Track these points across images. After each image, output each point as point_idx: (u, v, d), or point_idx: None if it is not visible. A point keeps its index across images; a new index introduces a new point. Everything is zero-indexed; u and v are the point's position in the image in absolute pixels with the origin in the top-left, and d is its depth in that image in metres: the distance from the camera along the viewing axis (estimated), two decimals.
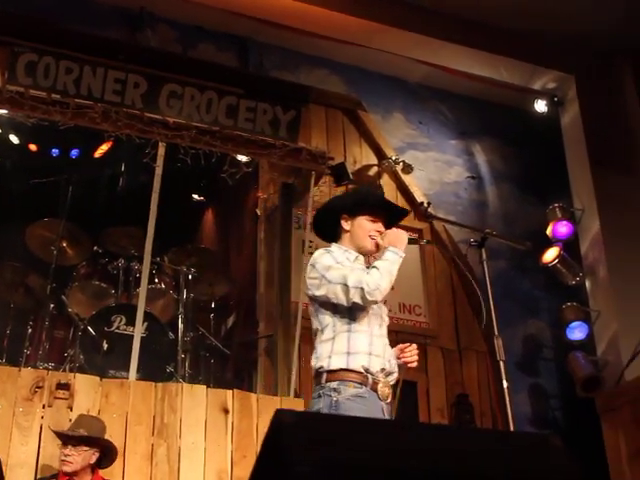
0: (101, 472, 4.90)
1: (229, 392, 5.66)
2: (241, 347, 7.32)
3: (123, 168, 8.34)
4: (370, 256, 4.08)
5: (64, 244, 7.15)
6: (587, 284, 7.53)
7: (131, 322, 6.19)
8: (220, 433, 5.48)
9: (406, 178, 7.77)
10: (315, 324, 3.91)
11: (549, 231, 7.65)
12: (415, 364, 3.93)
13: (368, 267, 3.90)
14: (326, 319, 3.83)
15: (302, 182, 6.86)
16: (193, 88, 6.54)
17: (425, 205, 3.53)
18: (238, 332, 7.55)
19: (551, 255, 7.50)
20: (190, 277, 7.13)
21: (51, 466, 4.97)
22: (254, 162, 6.98)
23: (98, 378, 5.44)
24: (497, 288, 7.78)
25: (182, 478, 5.23)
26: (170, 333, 6.55)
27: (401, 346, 3.94)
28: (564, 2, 7.47)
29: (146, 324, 6.23)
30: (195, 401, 5.50)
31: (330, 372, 3.67)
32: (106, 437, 4.92)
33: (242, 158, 6.78)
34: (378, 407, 3.65)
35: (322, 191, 7.00)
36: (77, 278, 7.00)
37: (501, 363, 3.19)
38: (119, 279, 6.93)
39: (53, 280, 6.77)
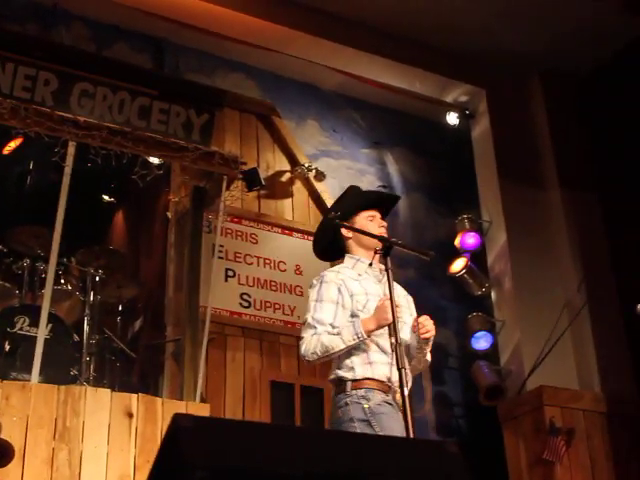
0: None
1: (134, 396, 5.58)
2: (148, 351, 7.24)
3: (32, 166, 8.17)
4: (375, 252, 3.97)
5: None
6: (493, 295, 7.67)
7: (35, 323, 6.05)
8: (124, 437, 5.40)
9: (318, 185, 7.80)
10: None
11: (457, 242, 7.77)
12: (429, 334, 3.87)
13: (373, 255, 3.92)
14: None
15: (214, 186, 6.82)
16: (106, 88, 6.44)
17: (332, 214, 3.55)
18: (145, 336, 7.47)
19: (459, 265, 7.61)
20: (98, 279, 7.02)
21: None
22: (166, 164, 6.92)
23: None
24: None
25: None
26: (75, 335, 6.45)
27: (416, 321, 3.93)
28: (478, 18, 7.61)
29: (50, 326, 6.11)
30: (99, 405, 5.41)
31: (355, 381, 3.73)
32: (2, 437, 4.80)
33: (154, 160, 6.71)
34: (399, 415, 3.67)
35: (233, 196, 6.97)
36: None
37: (402, 371, 3.22)
38: (24, 279, 6.78)
39: None
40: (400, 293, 4.14)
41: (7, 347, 6.01)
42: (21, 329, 6.15)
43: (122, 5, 7.12)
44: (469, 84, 8.25)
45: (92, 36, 7.45)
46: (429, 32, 7.74)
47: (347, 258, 4.11)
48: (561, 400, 6.97)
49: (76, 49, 7.02)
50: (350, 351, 3.77)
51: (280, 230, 7.56)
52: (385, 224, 4.08)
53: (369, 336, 3.74)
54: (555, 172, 7.99)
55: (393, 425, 3.59)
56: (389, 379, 3.70)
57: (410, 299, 4.24)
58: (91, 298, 6.92)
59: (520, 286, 7.46)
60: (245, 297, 7.13)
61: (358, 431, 3.57)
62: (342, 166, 8.25)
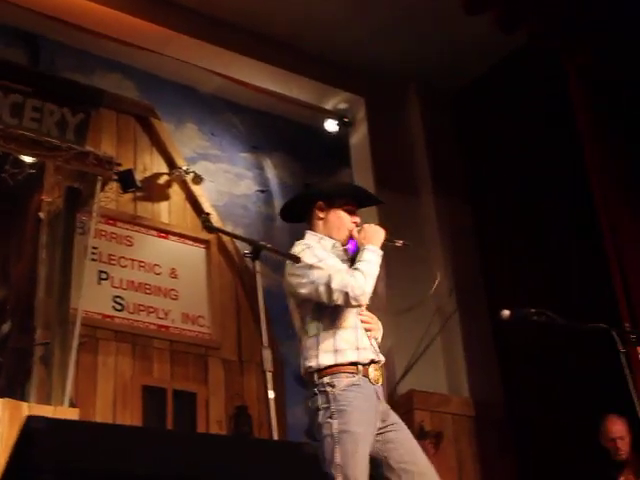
0: None
1: None
2: (15, 354, 7.04)
3: None
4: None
5: None
6: None
7: None
8: None
9: (196, 189, 7.76)
10: (297, 322, 3.89)
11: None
12: (374, 333, 3.82)
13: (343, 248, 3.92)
14: (309, 317, 3.80)
15: (88, 187, 6.68)
16: None
17: (204, 216, 3.54)
18: (13, 339, 7.26)
19: None
20: None
21: None
22: (39, 164, 6.76)
23: None
24: (280, 301, 7.99)
25: None
26: None
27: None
28: (358, 29, 7.70)
29: None
30: None
31: (320, 370, 3.66)
32: None
33: (26, 159, 6.54)
34: (372, 392, 3.63)
35: (108, 197, 6.87)
36: None
37: (268, 374, 3.22)
38: None
39: None
40: None
41: None
42: None
43: None
44: (348, 92, 8.35)
45: None
46: (309, 40, 7.80)
47: (310, 235, 4.03)
48: (431, 404, 7.12)
49: None
50: (318, 335, 3.73)
51: (156, 233, 7.49)
52: (358, 220, 4.01)
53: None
54: (429, 181, 8.16)
55: (362, 405, 3.58)
56: (356, 363, 3.66)
57: None
58: None
59: (393, 292, 7.57)
60: (118, 300, 7.03)
61: (321, 419, 3.57)
62: (220, 170, 8.23)
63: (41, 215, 6.97)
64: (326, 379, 3.64)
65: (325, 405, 3.58)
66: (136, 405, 6.69)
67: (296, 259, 3.76)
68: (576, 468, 6.23)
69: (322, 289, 3.68)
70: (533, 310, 4.30)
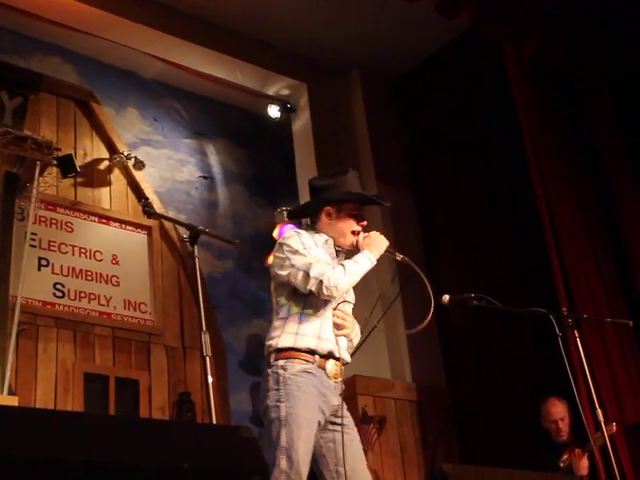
0: None
1: None
2: None
3: None
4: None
5: None
6: None
7: None
8: None
9: (137, 174, 7.69)
10: (274, 303, 3.92)
11: (275, 233, 7.83)
12: (346, 331, 3.83)
13: (337, 252, 3.94)
14: (283, 300, 3.84)
15: (27, 172, 6.60)
16: None
17: (143, 201, 3.54)
18: None
19: None
20: None
21: None
22: None
23: None
24: (224, 288, 8.01)
25: None
26: None
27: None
28: (299, 13, 7.69)
29: None
30: None
31: (278, 351, 3.69)
32: None
33: None
34: (326, 383, 3.67)
35: (47, 182, 6.78)
36: None
37: (207, 359, 3.23)
38: None
39: None
40: None
41: None
42: None
43: None
44: (290, 78, 8.34)
45: None
46: (251, 24, 7.77)
47: (310, 230, 4.02)
48: (373, 389, 7.16)
49: None
50: (287, 318, 3.77)
51: (97, 219, 7.41)
52: (365, 224, 4.02)
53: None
54: (372, 167, 8.19)
55: (311, 390, 3.60)
56: (313, 351, 3.68)
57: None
58: None
59: None
60: (59, 287, 6.94)
61: (269, 401, 3.60)
62: (162, 156, 8.17)
63: None
64: (281, 362, 3.69)
65: (275, 387, 3.63)
66: (78, 392, 6.62)
67: (233, 243, 3.78)
68: (518, 451, 6.32)
69: (300, 275, 3.73)
70: (472, 295, 4.35)
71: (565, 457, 5.96)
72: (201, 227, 3.58)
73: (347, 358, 3.83)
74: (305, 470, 3.48)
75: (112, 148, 7.69)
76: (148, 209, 3.60)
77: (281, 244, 3.90)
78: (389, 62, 8.30)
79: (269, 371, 3.70)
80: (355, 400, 6.95)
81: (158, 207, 7.52)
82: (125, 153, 7.62)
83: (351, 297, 4.01)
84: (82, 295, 7.03)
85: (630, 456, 6.09)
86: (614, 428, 5.56)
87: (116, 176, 7.64)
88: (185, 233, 3.72)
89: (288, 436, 3.47)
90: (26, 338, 6.50)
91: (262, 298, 8.15)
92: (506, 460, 5.54)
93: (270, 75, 8.26)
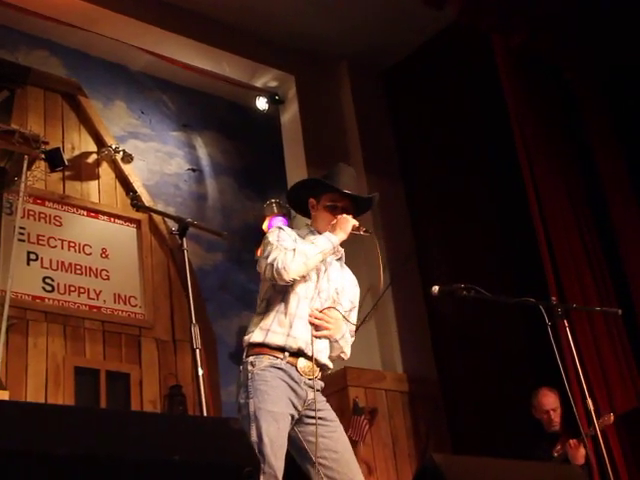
0: None
1: None
2: None
3: None
4: None
5: None
6: None
7: None
8: None
9: (126, 167, 7.66)
10: (258, 298, 3.97)
11: (265, 226, 7.84)
12: (327, 332, 3.85)
13: None
14: (262, 295, 3.91)
15: (14, 166, 6.56)
16: None
17: (132, 194, 3.53)
18: None
19: None
20: None
21: None
22: None
23: None
24: (213, 280, 7.99)
25: None
26: None
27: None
28: (287, 3, 7.67)
29: None
30: None
31: (250, 346, 3.77)
32: None
33: None
34: (297, 378, 3.71)
35: (35, 176, 6.74)
36: None
37: (197, 351, 3.23)
38: None
39: None
40: (350, 279, 4.20)
41: None
42: None
43: None
44: (278, 70, 8.31)
45: None
46: (238, 16, 7.75)
47: (305, 227, 4.14)
48: (365, 381, 7.16)
49: None
50: (264, 314, 3.81)
51: (86, 213, 7.38)
52: (343, 214, 4.00)
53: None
54: (361, 158, 8.18)
55: (279, 384, 3.64)
56: (282, 348, 3.72)
57: (357, 290, 4.21)
58: None
59: None
60: (48, 281, 6.92)
61: (240, 397, 3.66)
62: (151, 149, 8.14)
63: None
64: (251, 358, 3.74)
65: (244, 383, 3.69)
66: (68, 387, 6.61)
67: (221, 235, 3.83)
68: (510, 441, 6.34)
69: (262, 264, 3.82)
70: (462, 285, 4.35)
71: (558, 447, 5.98)
72: (190, 219, 3.58)
73: (323, 360, 3.84)
74: (279, 464, 3.50)
75: (100, 141, 7.66)
76: (136, 202, 3.60)
77: (263, 240, 3.97)
78: (378, 53, 8.29)
79: (241, 367, 3.77)
80: (346, 392, 6.96)
81: (147, 200, 7.51)
82: (113, 146, 7.60)
83: (346, 303, 4.05)
84: (72, 289, 7.01)
85: (620, 445, 6.11)
86: (611, 419, 5.58)
87: (104, 169, 7.62)
88: (174, 226, 3.72)
89: (257, 431, 3.50)
90: (16, 333, 6.48)
91: (252, 290, 8.10)
92: (498, 450, 5.57)
93: (258, 67, 8.23)
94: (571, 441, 5.80)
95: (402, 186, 8.29)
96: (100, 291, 7.14)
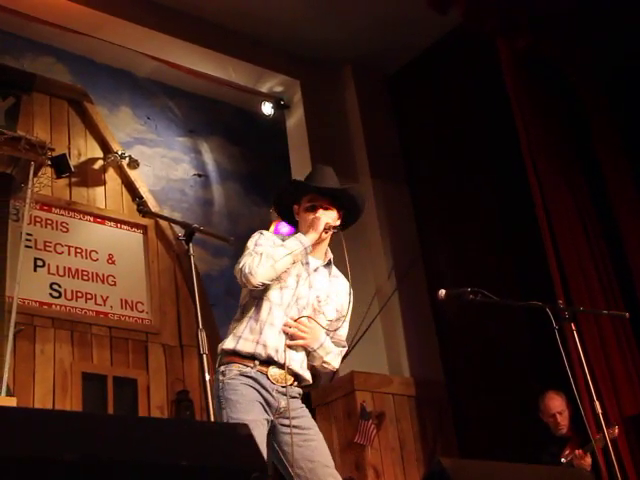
0: None
1: None
2: None
3: None
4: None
5: None
6: None
7: None
8: None
9: (132, 173, 7.69)
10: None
11: (271, 230, 7.82)
12: (302, 342, 3.79)
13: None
14: (240, 301, 3.90)
15: (21, 172, 6.58)
16: None
17: (138, 200, 3.54)
18: None
19: None
20: None
21: None
22: None
23: None
24: (220, 285, 7.99)
25: None
26: None
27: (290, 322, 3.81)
28: (292, 9, 7.68)
29: None
30: None
31: (222, 353, 3.74)
32: None
33: None
34: (268, 386, 3.66)
35: (42, 183, 6.76)
36: None
37: (204, 356, 3.23)
38: None
39: None
40: (340, 287, 4.04)
41: None
42: None
43: None
44: (284, 75, 8.32)
45: None
46: (244, 22, 7.75)
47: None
48: (371, 385, 7.16)
49: None
50: (238, 321, 3.80)
51: (92, 219, 7.41)
52: (322, 214, 3.89)
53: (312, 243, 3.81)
54: (367, 163, 8.18)
55: (249, 393, 3.60)
56: (252, 356, 3.68)
57: (348, 298, 4.00)
58: None
59: None
60: (55, 287, 6.94)
61: (216, 408, 3.59)
62: (156, 154, 8.16)
63: None
64: (222, 367, 3.72)
65: (216, 394, 3.64)
66: (76, 393, 6.63)
67: (227, 240, 3.81)
68: (517, 446, 6.32)
69: (236, 269, 3.82)
70: (468, 289, 4.34)
71: (567, 452, 5.95)
72: (196, 225, 3.57)
73: (296, 368, 3.76)
74: None
75: (106, 147, 7.69)
76: (142, 208, 3.61)
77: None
78: (382, 58, 8.29)
79: (215, 376, 3.72)
80: (353, 396, 6.97)
81: (153, 206, 7.52)
82: (119, 152, 7.62)
83: (331, 312, 3.94)
84: (79, 295, 7.03)
85: (629, 448, 6.09)
86: (616, 431, 5.55)
87: (110, 175, 7.64)
88: (180, 231, 3.71)
89: None
90: (23, 339, 6.50)
91: None
92: (505, 455, 5.55)
93: (263, 72, 8.24)
94: (577, 452, 5.78)
95: (407, 190, 8.29)
96: (107, 297, 7.16)
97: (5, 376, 5.97)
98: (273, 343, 3.70)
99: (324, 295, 3.92)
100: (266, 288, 3.77)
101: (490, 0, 6.89)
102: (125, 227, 7.55)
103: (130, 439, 1.78)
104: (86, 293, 7.08)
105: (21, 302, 6.41)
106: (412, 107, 8.38)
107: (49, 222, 7.14)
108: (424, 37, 7.95)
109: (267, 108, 8.40)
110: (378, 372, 7.34)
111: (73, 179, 7.31)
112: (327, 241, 4.01)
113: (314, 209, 3.91)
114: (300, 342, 3.77)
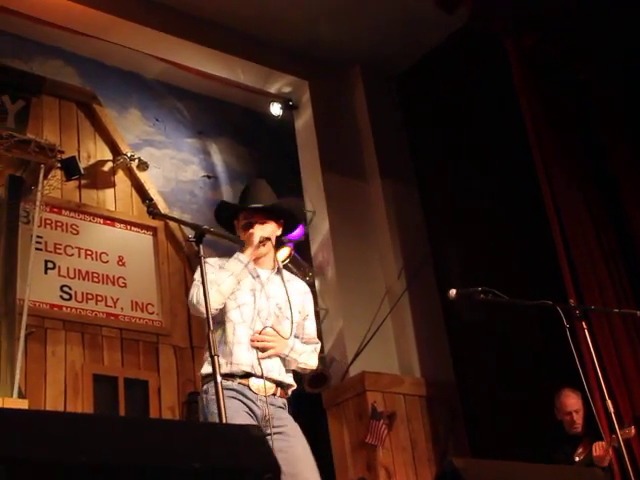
0: None
1: None
2: None
3: None
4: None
5: None
6: (316, 284, 7.77)
7: None
8: None
9: (141, 175, 7.70)
10: None
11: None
12: (272, 351, 3.91)
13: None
14: (206, 330, 3.90)
15: (31, 175, 6.62)
16: None
17: (148, 202, 3.55)
18: None
19: (282, 255, 7.67)
20: None
21: None
22: None
23: None
24: None
25: None
26: None
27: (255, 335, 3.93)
28: (300, 10, 7.67)
29: None
30: None
31: (202, 378, 3.88)
32: None
33: None
34: (250, 396, 3.77)
35: (52, 185, 6.78)
36: None
37: (215, 358, 3.24)
38: None
39: None
40: (296, 289, 4.19)
41: None
42: None
43: None
44: (292, 75, 8.31)
45: None
46: (252, 22, 7.75)
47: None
48: (382, 385, 7.15)
49: None
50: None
51: (102, 221, 7.42)
52: (251, 231, 4.07)
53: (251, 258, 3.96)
54: (376, 162, 8.17)
55: (233, 404, 3.65)
56: (230, 375, 3.79)
57: (307, 297, 4.24)
58: None
59: (343, 275, 7.59)
60: (66, 289, 6.96)
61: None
62: (166, 156, 8.17)
63: None
64: (205, 387, 3.84)
65: (203, 410, 3.77)
66: (87, 394, 6.64)
67: (238, 241, 3.86)
68: (528, 445, 6.30)
69: (188, 303, 4.00)
70: (479, 289, 4.33)
71: (580, 451, 5.92)
72: (206, 226, 3.58)
73: (276, 377, 3.88)
74: None
75: (115, 150, 7.70)
76: (152, 210, 3.61)
77: None
78: (390, 58, 8.27)
79: (198, 397, 3.88)
80: (364, 396, 6.96)
81: (162, 207, 7.53)
82: (128, 154, 7.63)
83: (295, 314, 4.03)
84: (89, 297, 7.04)
85: None
86: (632, 431, 5.51)
87: (120, 177, 7.65)
88: (190, 233, 3.72)
89: None
90: (34, 341, 6.51)
91: None
92: (516, 454, 5.54)
93: (271, 73, 8.23)
94: (598, 443, 5.70)
95: (417, 190, 8.28)
96: (117, 299, 7.17)
97: (17, 378, 5.99)
98: (245, 360, 3.84)
99: (283, 301, 4.05)
100: (225, 311, 3.93)
101: (496, 1, 6.88)
102: (135, 229, 7.55)
103: (143, 442, 1.77)
104: (96, 295, 7.09)
105: (32, 304, 6.43)
106: (420, 107, 8.36)
107: (59, 224, 7.15)
108: (432, 37, 7.93)
109: (276, 109, 8.39)
110: (389, 372, 7.33)
111: (83, 181, 7.32)
112: (272, 251, 4.19)
113: (250, 226, 4.07)
114: (271, 352, 3.90)
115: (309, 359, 4.08)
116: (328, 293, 7.66)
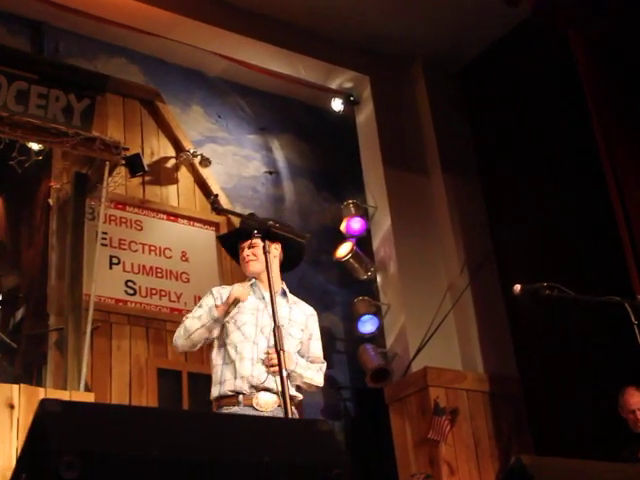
0: None
1: (15, 387, 5.44)
2: (30, 341, 7.06)
3: None
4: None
5: None
6: (378, 279, 7.77)
7: None
8: (4, 429, 5.26)
9: (204, 171, 7.75)
10: None
11: (343, 227, 7.84)
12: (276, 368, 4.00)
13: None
14: (211, 353, 4.33)
15: (96, 172, 6.70)
16: None
17: (212, 197, 3.59)
18: (27, 325, 7.28)
19: (344, 250, 7.69)
20: None
21: None
22: (46, 150, 6.76)
23: None
24: (291, 282, 7.98)
25: None
26: None
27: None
28: (361, 4, 7.67)
29: None
30: None
31: (212, 401, 4.18)
32: None
33: (33, 146, 6.54)
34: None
35: (116, 182, 6.86)
36: None
37: (281, 353, 3.27)
38: None
39: None
40: (300, 310, 4.44)
41: None
42: None
43: None
44: (353, 71, 8.31)
45: None
46: (313, 19, 7.77)
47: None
48: (445, 381, 7.12)
49: None
50: (214, 367, 4.25)
51: (165, 216, 7.49)
52: (245, 254, 4.38)
53: (221, 314, 4.19)
54: (438, 157, 8.14)
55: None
56: (236, 391, 4.02)
57: (311, 318, 4.47)
58: None
59: (404, 270, 7.57)
60: (130, 284, 7.04)
61: None
62: (228, 152, 8.21)
63: (50, 202, 6.98)
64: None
65: None
66: (151, 388, 6.71)
67: (304, 237, 3.93)
68: (592, 442, 6.22)
69: None
70: (545, 284, 4.29)
71: None
72: (271, 222, 3.60)
73: (288, 390, 3.88)
74: None
75: (178, 146, 7.76)
76: (217, 206, 3.63)
77: None
78: (452, 52, 8.23)
79: None
80: (427, 392, 6.94)
81: (225, 204, 7.57)
82: (191, 151, 7.69)
83: (297, 332, 4.29)
84: (153, 292, 7.12)
85: None
86: None
87: (183, 174, 7.71)
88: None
89: None
90: (100, 336, 6.61)
91: (330, 291, 8.16)
92: (580, 451, 5.47)
93: (332, 69, 8.25)
94: None
95: (480, 185, 8.21)
96: (181, 294, 7.23)
97: (84, 372, 6.09)
98: (250, 372, 4.07)
99: (285, 320, 4.22)
100: (227, 334, 4.20)
101: None
102: (198, 225, 7.62)
103: (212, 436, 1.79)
104: (160, 290, 7.17)
105: (97, 299, 6.52)
106: (483, 101, 8.29)
107: (123, 220, 7.25)
108: (494, 30, 7.88)
109: (337, 104, 8.39)
110: (451, 368, 7.30)
111: (146, 178, 7.40)
112: (278, 273, 4.39)
113: (243, 251, 4.39)
114: (276, 368, 4.00)
115: (315, 376, 4.31)
116: (390, 288, 7.65)
